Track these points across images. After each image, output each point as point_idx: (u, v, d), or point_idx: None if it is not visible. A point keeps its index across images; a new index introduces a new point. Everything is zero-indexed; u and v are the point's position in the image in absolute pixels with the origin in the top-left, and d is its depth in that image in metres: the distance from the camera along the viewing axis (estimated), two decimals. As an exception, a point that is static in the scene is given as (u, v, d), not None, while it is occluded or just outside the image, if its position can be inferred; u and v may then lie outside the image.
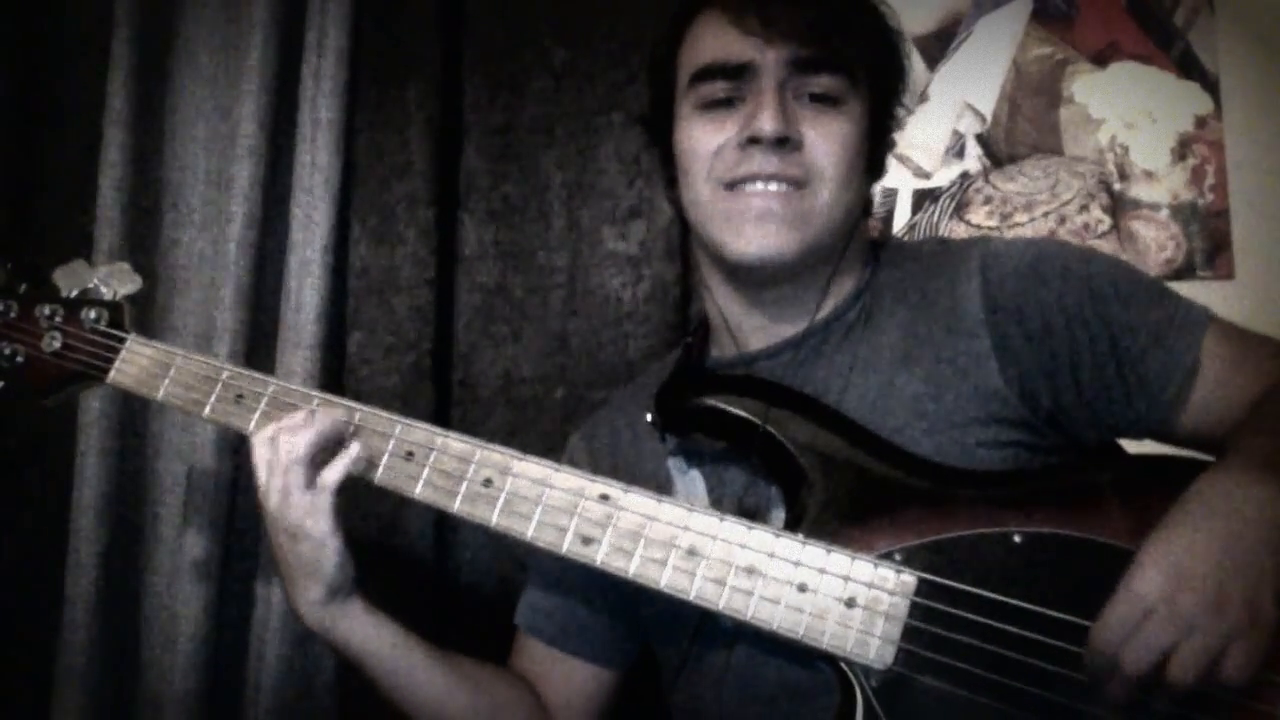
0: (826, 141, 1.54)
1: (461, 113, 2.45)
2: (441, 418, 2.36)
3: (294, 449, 1.54)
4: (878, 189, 2.40)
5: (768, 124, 1.50)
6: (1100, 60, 2.37)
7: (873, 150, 1.62)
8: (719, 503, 1.55)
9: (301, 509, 1.54)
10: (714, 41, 1.57)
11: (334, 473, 1.56)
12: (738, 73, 1.55)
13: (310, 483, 1.55)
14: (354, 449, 1.58)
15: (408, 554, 2.25)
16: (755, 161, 1.52)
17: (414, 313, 2.36)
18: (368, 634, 1.62)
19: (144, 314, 2.35)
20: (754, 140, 1.52)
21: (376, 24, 2.43)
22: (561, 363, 2.35)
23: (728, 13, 1.56)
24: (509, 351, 2.37)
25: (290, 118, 2.40)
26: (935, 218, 2.42)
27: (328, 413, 1.60)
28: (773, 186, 1.52)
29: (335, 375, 2.36)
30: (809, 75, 1.54)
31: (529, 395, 2.36)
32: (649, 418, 1.58)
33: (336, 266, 2.36)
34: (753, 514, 1.50)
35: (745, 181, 1.53)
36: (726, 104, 1.56)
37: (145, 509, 2.36)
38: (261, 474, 1.57)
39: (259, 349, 2.36)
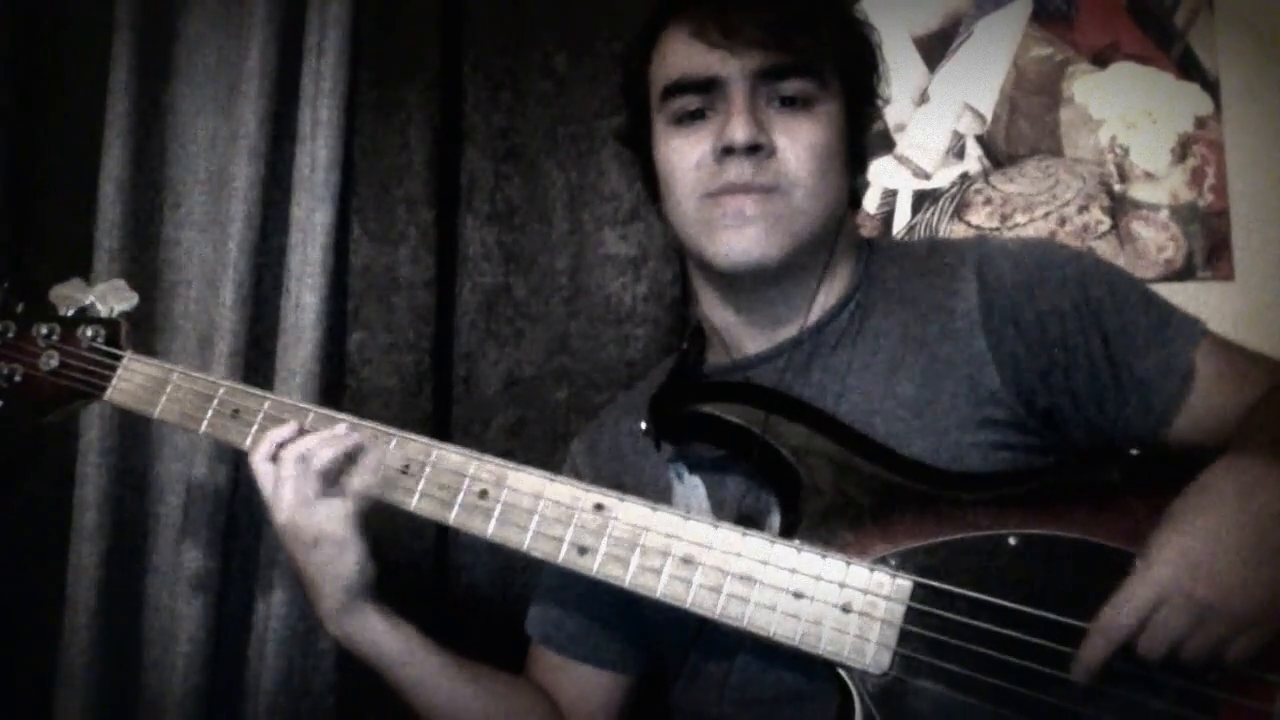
0: (799, 146, 1.54)
1: (462, 113, 2.45)
2: (443, 418, 2.37)
3: (317, 459, 1.57)
4: (877, 189, 2.42)
5: (739, 133, 1.51)
6: (1100, 61, 2.36)
7: (851, 146, 1.62)
8: (720, 507, 1.56)
9: (321, 515, 1.56)
10: (680, 56, 1.58)
11: (361, 479, 1.58)
12: (706, 86, 1.55)
13: (329, 490, 1.57)
14: (374, 455, 1.60)
15: (410, 563, 2.25)
16: (731, 172, 1.52)
17: (414, 313, 2.36)
18: (388, 640, 1.63)
19: (144, 314, 2.36)
20: (728, 150, 1.52)
21: (376, 24, 2.42)
22: (563, 363, 2.35)
23: (690, 27, 1.56)
24: (511, 352, 2.38)
25: (290, 118, 2.40)
26: (935, 219, 2.42)
27: (348, 430, 1.62)
28: (749, 196, 1.52)
29: (335, 375, 2.36)
30: (777, 81, 1.54)
31: (531, 395, 2.36)
32: (642, 426, 1.58)
33: (336, 266, 2.36)
34: (753, 518, 1.51)
35: (723, 193, 1.53)
36: (700, 116, 1.57)
37: (146, 509, 2.36)
38: (268, 486, 1.59)
39: (259, 349, 2.36)
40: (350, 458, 1.59)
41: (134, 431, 2.33)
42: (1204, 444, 1.42)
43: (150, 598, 2.34)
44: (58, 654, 2.23)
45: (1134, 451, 1.49)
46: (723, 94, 1.54)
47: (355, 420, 1.63)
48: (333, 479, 1.57)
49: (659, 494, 1.60)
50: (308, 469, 1.56)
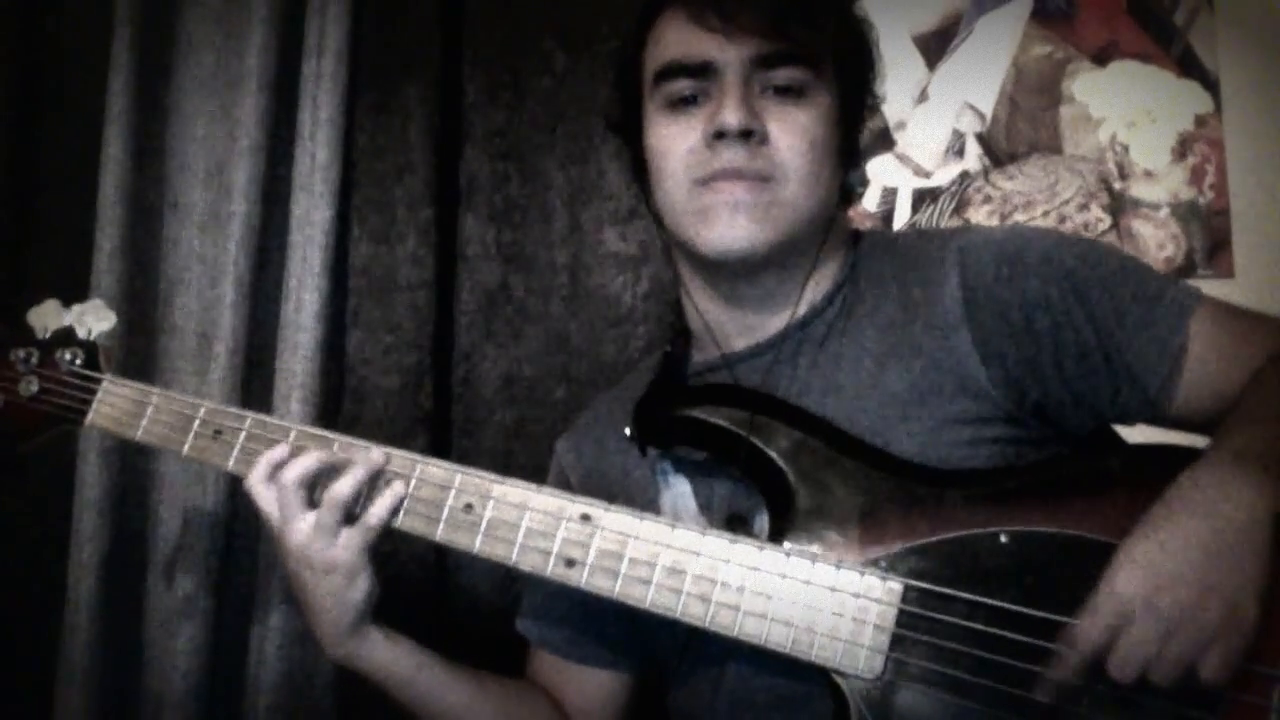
0: (792, 134, 1.52)
1: (462, 113, 2.45)
2: (442, 417, 2.37)
3: (340, 489, 1.54)
4: (877, 187, 2.42)
5: (731, 117, 1.49)
6: (1100, 59, 2.37)
7: (844, 139, 1.60)
8: (707, 510, 1.55)
9: (339, 545, 1.54)
10: (675, 40, 1.56)
11: (381, 510, 1.55)
12: (700, 71, 1.53)
13: (347, 520, 1.55)
14: (398, 488, 1.56)
15: (411, 565, 2.25)
16: (723, 157, 1.50)
17: (414, 313, 2.36)
18: (390, 658, 1.62)
19: (144, 315, 2.37)
20: (720, 135, 1.50)
21: (376, 24, 2.43)
22: (563, 362, 2.36)
23: (687, 11, 1.54)
24: (511, 351, 2.38)
25: (290, 117, 2.40)
26: (935, 217, 2.42)
27: (374, 451, 1.58)
28: (741, 183, 1.51)
29: (335, 375, 2.36)
30: (772, 69, 1.52)
31: (530, 395, 2.36)
32: (627, 432, 1.57)
33: (336, 266, 2.36)
34: (741, 521, 1.50)
35: (715, 179, 1.52)
36: (692, 102, 1.55)
37: (147, 509, 2.36)
38: (273, 511, 1.56)
39: (259, 348, 2.36)
40: (372, 486, 1.57)
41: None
42: (1210, 414, 1.40)
43: (151, 598, 2.33)
44: (58, 654, 2.23)
45: (1132, 433, 1.49)
46: (716, 79, 1.53)
47: (338, 436, 1.61)
48: (353, 509, 1.55)
49: (645, 494, 1.60)
50: (334, 502, 1.54)
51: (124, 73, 2.36)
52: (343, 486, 1.54)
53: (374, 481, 1.57)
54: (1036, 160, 2.38)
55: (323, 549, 1.54)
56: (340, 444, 1.60)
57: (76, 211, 2.38)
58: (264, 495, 1.58)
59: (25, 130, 2.49)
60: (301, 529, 1.54)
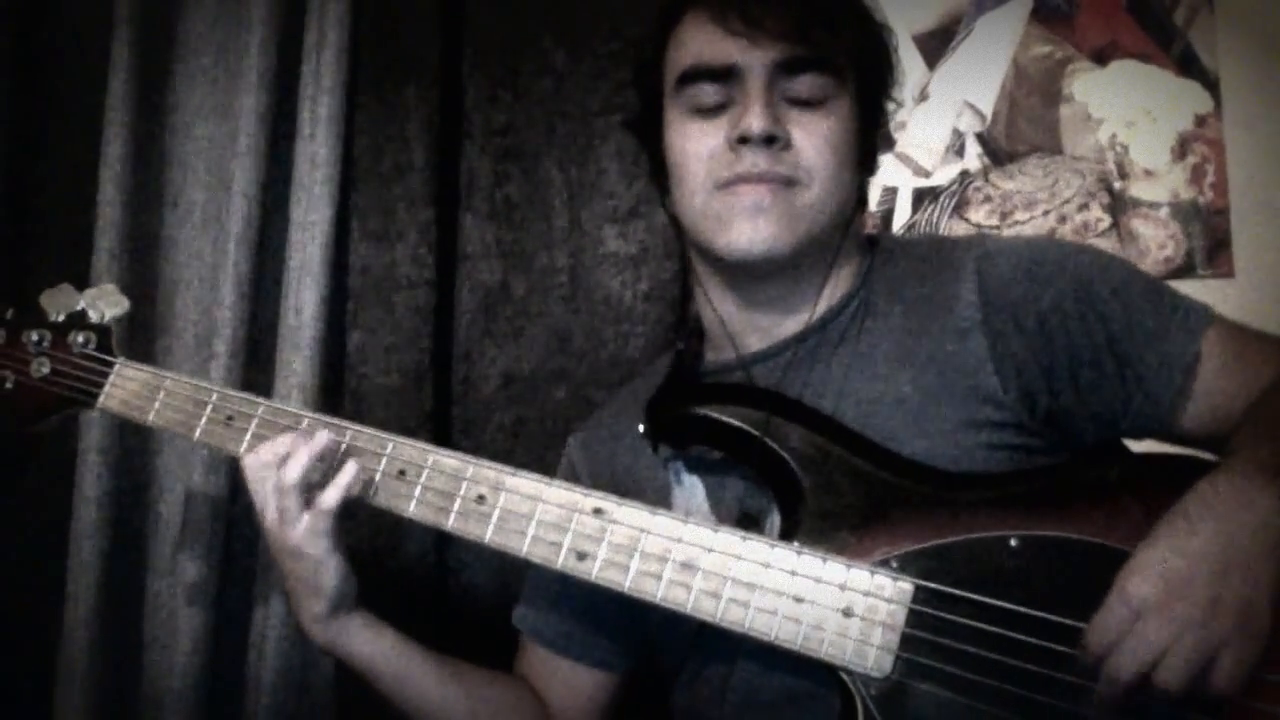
0: (815, 140, 1.53)
1: (462, 112, 2.44)
2: (442, 417, 2.36)
3: (287, 474, 1.55)
4: (877, 186, 2.42)
5: (756, 123, 1.50)
6: (1100, 59, 2.36)
7: (863, 146, 1.61)
8: (719, 508, 1.55)
9: (300, 531, 1.56)
10: (698, 43, 1.57)
11: (332, 496, 1.57)
12: (723, 75, 1.54)
13: (307, 505, 1.56)
14: (349, 469, 1.58)
15: (410, 562, 2.25)
16: (746, 162, 1.51)
17: (414, 313, 2.35)
18: (371, 646, 1.64)
19: (144, 314, 2.37)
20: (743, 140, 1.51)
21: (376, 24, 2.42)
22: (562, 362, 2.35)
23: (711, 13, 1.55)
24: (510, 351, 2.37)
25: (290, 117, 2.40)
26: (935, 216, 2.42)
27: (319, 432, 1.60)
28: (763, 186, 1.52)
29: (335, 375, 2.35)
30: (795, 75, 1.53)
31: (530, 394, 2.36)
32: (640, 429, 1.57)
33: (336, 266, 2.36)
34: (753, 520, 1.50)
35: (737, 182, 1.52)
36: (715, 106, 1.55)
37: (147, 507, 2.37)
38: (256, 497, 1.59)
39: (259, 348, 2.36)
40: (327, 465, 1.59)
41: (134, 429, 2.33)
42: (1218, 432, 1.41)
43: (150, 596, 2.34)
44: (58, 651, 2.23)
45: (1140, 447, 1.49)
46: (740, 84, 1.53)
47: (352, 425, 1.62)
48: (309, 490, 1.57)
49: (657, 493, 1.59)
50: (288, 484, 1.55)
51: (124, 73, 2.37)
52: (290, 472, 1.56)
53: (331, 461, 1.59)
54: (1036, 160, 2.38)
55: (286, 534, 1.56)
56: (353, 433, 1.62)
57: (76, 211, 2.38)
58: (253, 479, 1.60)
59: (25, 130, 2.49)
60: (270, 515, 1.57)
